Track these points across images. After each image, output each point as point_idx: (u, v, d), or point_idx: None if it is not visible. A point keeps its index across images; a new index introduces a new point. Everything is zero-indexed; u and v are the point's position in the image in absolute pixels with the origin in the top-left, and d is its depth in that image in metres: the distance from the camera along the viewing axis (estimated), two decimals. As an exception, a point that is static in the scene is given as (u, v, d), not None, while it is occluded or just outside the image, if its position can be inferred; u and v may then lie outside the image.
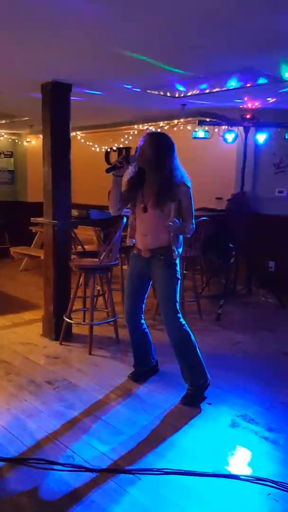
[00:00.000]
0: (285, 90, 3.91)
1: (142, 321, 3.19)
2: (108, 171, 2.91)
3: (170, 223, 2.77)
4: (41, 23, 2.49)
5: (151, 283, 3.09)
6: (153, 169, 2.85)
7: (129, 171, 2.95)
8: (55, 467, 2.27)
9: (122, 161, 2.88)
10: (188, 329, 2.93)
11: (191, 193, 2.89)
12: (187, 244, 3.80)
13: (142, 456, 2.37)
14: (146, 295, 3.16)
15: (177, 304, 2.93)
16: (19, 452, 2.39)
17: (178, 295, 2.96)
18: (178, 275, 2.95)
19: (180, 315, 2.93)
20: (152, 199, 2.85)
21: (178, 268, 2.95)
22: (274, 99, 4.40)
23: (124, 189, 3.01)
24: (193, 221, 2.94)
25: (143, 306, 3.17)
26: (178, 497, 2.09)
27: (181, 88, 3.98)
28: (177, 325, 2.90)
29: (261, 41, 2.72)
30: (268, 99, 4.40)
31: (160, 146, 2.83)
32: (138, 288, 3.10)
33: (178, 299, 2.95)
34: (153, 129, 5.86)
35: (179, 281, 2.97)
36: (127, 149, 7.04)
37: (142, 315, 3.19)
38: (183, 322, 2.93)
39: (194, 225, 2.95)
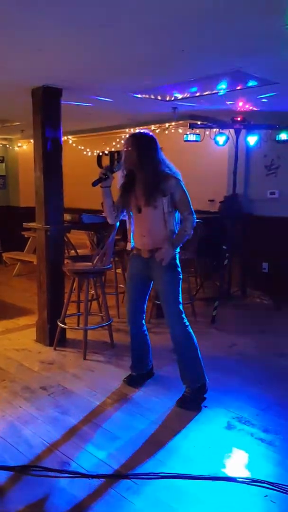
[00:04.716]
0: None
1: (143, 322, 3.19)
2: (94, 184, 2.90)
3: (164, 251, 2.79)
4: (31, 27, 2.48)
5: (152, 283, 3.07)
6: (139, 168, 2.86)
7: (119, 178, 2.96)
8: (51, 474, 2.25)
9: (105, 172, 2.89)
10: (192, 331, 2.94)
11: (182, 185, 2.86)
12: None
13: (139, 461, 2.36)
14: (148, 296, 3.16)
15: (180, 305, 2.93)
16: (15, 459, 2.37)
17: (180, 295, 2.94)
18: (180, 275, 2.94)
19: (184, 315, 2.93)
20: (143, 197, 2.86)
21: (179, 268, 2.94)
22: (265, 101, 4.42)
23: (118, 195, 3.02)
24: (192, 210, 2.87)
25: (145, 307, 3.17)
26: (175, 501, 2.08)
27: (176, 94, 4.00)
28: (181, 327, 2.91)
29: (249, 44, 2.74)
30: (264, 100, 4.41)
31: (140, 143, 2.85)
32: (139, 289, 3.10)
33: (181, 300, 2.93)
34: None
35: (181, 281, 2.95)
36: (119, 152, 7.05)
37: (144, 317, 3.18)
38: (187, 323, 2.93)
39: (194, 215, 2.87)
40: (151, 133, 2.95)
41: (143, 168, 2.83)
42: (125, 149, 2.89)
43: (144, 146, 2.84)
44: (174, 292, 2.91)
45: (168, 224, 2.88)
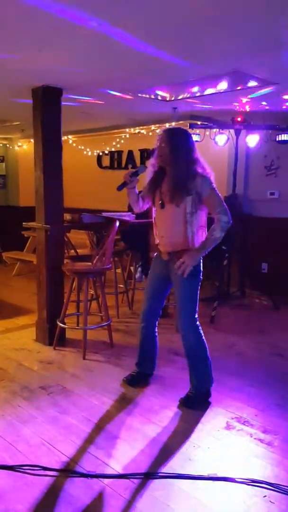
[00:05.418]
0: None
1: (156, 323, 3.16)
2: (119, 188, 2.95)
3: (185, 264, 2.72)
4: (32, 28, 2.49)
5: (171, 285, 3.01)
6: (170, 164, 2.81)
7: (149, 173, 2.94)
8: (50, 473, 2.25)
9: (130, 178, 2.93)
10: (204, 340, 2.91)
11: (210, 183, 2.76)
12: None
13: (138, 461, 2.37)
14: (165, 298, 3.14)
15: (196, 313, 2.88)
16: (14, 458, 2.37)
17: (197, 302, 2.88)
18: (199, 281, 2.86)
19: (198, 323, 2.89)
20: (169, 193, 2.81)
21: (200, 274, 2.85)
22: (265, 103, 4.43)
23: (145, 186, 3.00)
24: (225, 209, 2.71)
25: (160, 309, 3.14)
26: (173, 501, 2.08)
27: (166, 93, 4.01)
28: (194, 335, 2.88)
29: (249, 44, 2.74)
30: (263, 103, 4.43)
31: (174, 139, 2.80)
32: (157, 290, 3.06)
33: (197, 307, 2.88)
34: (153, 129, 5.87)
35: (199, 287, 2.87)
36: (119, 152, 7.06)
37: (158, 318, 3.16)
38: (201, 332, 2.90)
39: (226, 215, 2.71)
40: (186, 130, 2.92)
41: (174, 164, 2.78)
42: (158, 145, 2.85)
43: (177, 142, 2.79)
44: (191, 300, 2.86)
45: (189, 226, 2.78)
